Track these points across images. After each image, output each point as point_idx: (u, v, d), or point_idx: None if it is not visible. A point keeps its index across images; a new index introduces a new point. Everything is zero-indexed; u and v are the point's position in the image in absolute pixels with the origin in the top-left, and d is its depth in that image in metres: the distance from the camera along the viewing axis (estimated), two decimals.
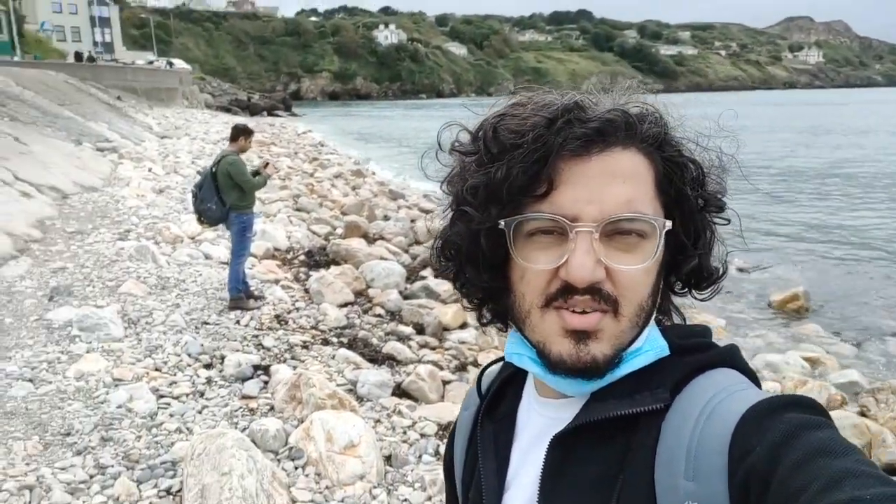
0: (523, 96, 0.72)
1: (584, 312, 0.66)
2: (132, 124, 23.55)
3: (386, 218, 11.91)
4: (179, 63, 60.24)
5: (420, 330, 6.37)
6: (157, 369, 4.78)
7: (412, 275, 8.21)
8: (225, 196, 5.95)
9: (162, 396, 4.35)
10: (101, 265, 7.13)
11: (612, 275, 0.66)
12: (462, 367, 5.65)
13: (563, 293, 0.66)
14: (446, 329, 6.41)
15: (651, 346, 0.71)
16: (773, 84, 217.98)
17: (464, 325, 6.54)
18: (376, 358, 5.49)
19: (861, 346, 7.13)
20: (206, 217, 6.06)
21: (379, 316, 6.67)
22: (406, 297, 7.24)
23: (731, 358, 0.71)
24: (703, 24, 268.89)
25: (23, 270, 6.78)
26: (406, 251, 9.66)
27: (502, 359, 0.91)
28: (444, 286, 7.51)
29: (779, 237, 12.59)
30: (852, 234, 12.87)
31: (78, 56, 44.50)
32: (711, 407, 0.64)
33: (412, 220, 12.08)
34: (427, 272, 8.27)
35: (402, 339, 6.05)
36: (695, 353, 0.71)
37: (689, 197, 0.70)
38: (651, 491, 0.63)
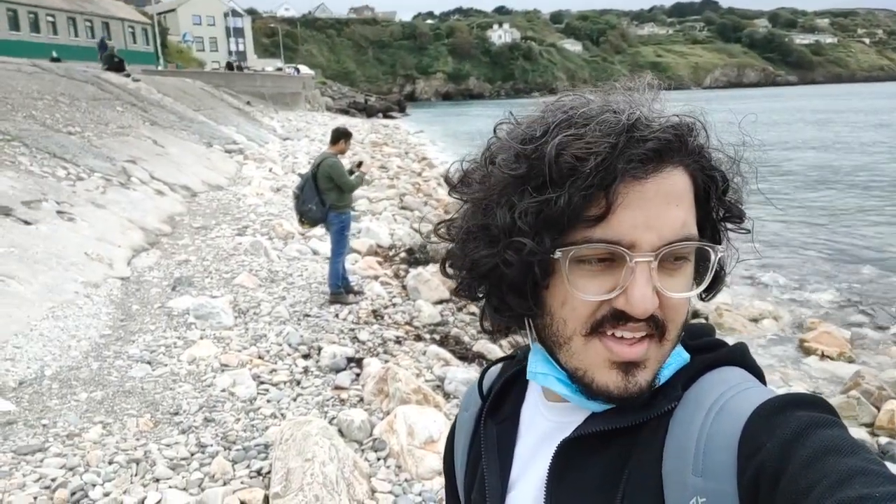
0: (573, 109, 0.66)
1: (630, 341, 0.64)
2: (258, 127, 25.15)
3: None
4: (304, 69, 63.56)
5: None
6: (259, 357, 5.07)
7: None
8: (325, 197, 6.20)
9: (262, 383, 4.61)
10: (219, 258, 7.68)
11: (663, 301, 0.64)
12: None
13: (613, 319, 0.64)
14: None
15: (674, 359, 0.70)
16: None
17: None
18: (466, 356, 5.52)
19: None
20: (307, 217, 6.35)
21: (472, 314, 6.69)
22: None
23: (741, 356, 0.71)
24: (845, 11, 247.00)
25: (152, 262, 7.44)
26: None
27: (504, 359, 0.90)
28: None
29: None
30: None
31: (229, 66, 48.67)
32: (721, 403, 0.64)
33: None
34: None
35: (494, 338, 6.04)
36: (705, 352, 0.71)
37: (714, 206, 0.70)
38: (658, 485, 0.63)
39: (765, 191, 0.76)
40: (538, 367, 0.72)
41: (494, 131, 0.74)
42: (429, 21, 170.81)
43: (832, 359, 6.47)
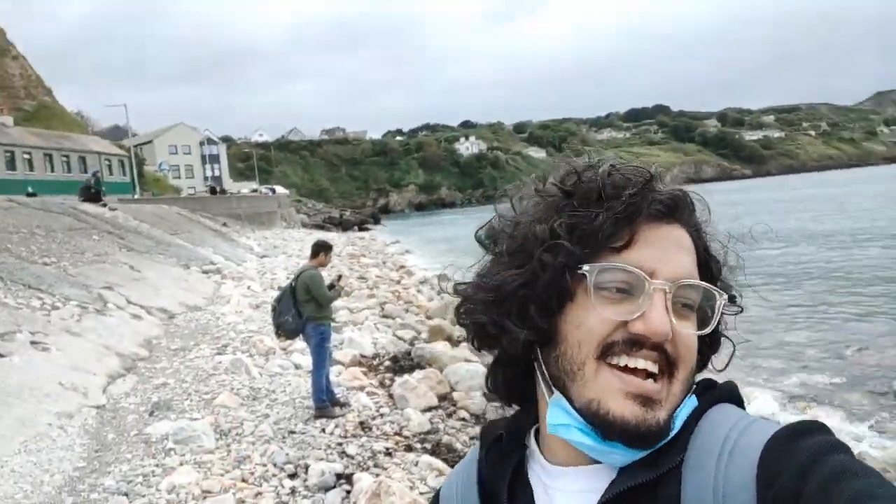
0: (612, 159, 0.76)
1: (645, 375, 0.66)
2: (235, 247, 25.34)
3: None
4: (279, 188, 65.10)
5: None
6: (243, 480, 4.83)
7: None
8: (302, 308, 6.18)
9: None
10: (199, 379, 7.47)
11: (674, 337, 0.67)
12: None
13: (626, 345, 0.66)
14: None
15: (687, 408, 0.71)
16: (871, 160, 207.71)
17: None
18: None
19: None
20: (284, 329, 6.29)
21: (463, 420, 6.53)
22: (490, 400, 7.07)
23: (733, 394, 0.74)
24: (788, 107, 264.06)
25: (128, 388, 7.20)
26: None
27: (488, 447, 0.81)
28: None
29: None
30: None
31: (213, 190, 50.11)
32: (731, 444, 0.65)
33: None
34: None
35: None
36: (704, 392, 0.73)
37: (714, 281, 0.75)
38: None
39: (742, 284, 0.80)
40: (559, 419, 0.69)
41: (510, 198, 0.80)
42: (398, 138, 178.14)
43: None
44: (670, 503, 0.65)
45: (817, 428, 0.63)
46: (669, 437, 0.68)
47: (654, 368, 0.66)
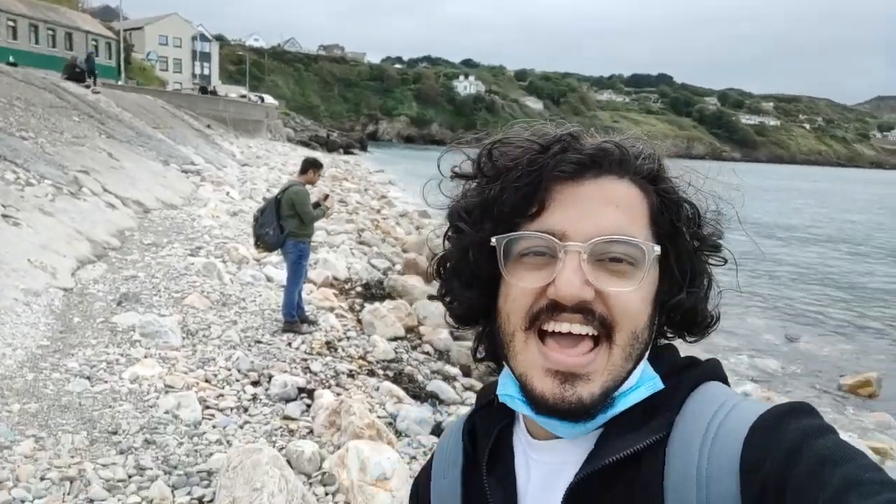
0: (522, 126, 0.75)
1: (569, 344, 0.65)
2: (217, 151, 24.81)
3: None
4: (268, 98, 63.38)
5: (467, 372, 6.31)
6: (206, 381, 4.89)
7: None
8: (284, 223, 6.13)
9: (208, 407, 4.44)
10: (169, 277, 7.44)
11: (604, 298, 0.65)
12: None
13: (549, 310, 0.65)
14: (493, 374, 6.31)
15: (643, 382, 0.69)
16: (859, 162, 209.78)
17: None
18: (419, 395, 5.45)
19: None
20: (263, 242, 6.25)
21: (427, 353, 6.65)
22: (456, 338, 7.19)
23: (717, 372, 0.71)
24: (789, 97, 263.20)
25: (98, 275, 7.14)
26: None
27: (472, 414, 0.82)
28: None
29: (857, 314, 11.92)
30: None
31: (203, 89, 48.10)
32: (714, 427, 0.63)
33: None
34: None
35: (448, 378, 6.00)
36: (685, 371, 0.71)
37: (683, 234, 0.70)
38: None
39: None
40: (507, 389, 0.71)
41: None
42: (397, 66, 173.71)
43: None
44: (652, 483, 0.63)
45: (803, 410, 0.62)
46: (611, 414, 0.66)
47: (583, 331, 0.65)
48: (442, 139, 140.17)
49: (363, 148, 67.21)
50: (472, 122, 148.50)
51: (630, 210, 0.68)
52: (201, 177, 16.77)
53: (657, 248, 0.67)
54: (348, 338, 6.53)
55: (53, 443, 3.58)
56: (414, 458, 4.25)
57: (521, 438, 0.76)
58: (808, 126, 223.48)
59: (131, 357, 5.01)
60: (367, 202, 19.77)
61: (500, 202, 0.68)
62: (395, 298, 8.29)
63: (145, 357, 5.06)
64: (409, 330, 7.22)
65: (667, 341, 0.76)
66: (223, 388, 4.84)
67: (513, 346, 0.68)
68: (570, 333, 0.65)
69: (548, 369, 0.65)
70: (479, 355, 0.79)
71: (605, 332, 0.65)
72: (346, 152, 57.35)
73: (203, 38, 76.61)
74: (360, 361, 5.96)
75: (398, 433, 4.59)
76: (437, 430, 4.81)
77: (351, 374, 5.54)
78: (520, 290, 0.67)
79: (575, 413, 0.65)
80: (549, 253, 0.66)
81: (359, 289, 8.84)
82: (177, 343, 5.48)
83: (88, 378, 4.50)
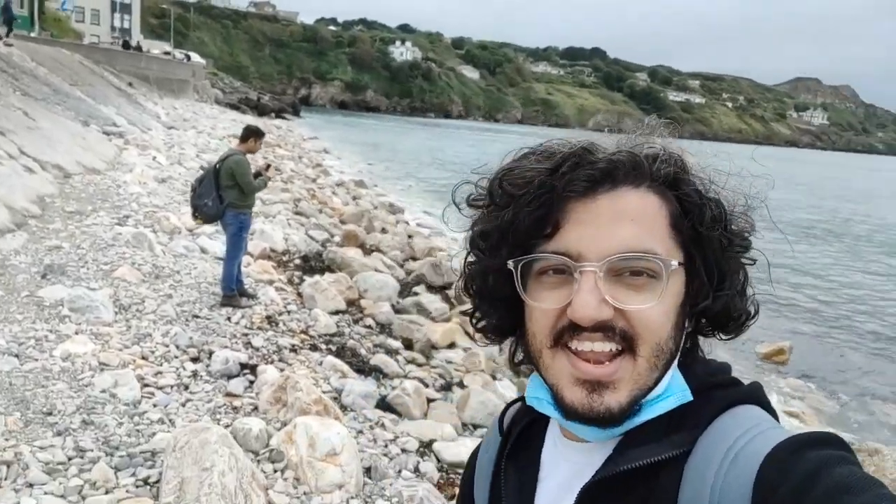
0: (530, 148, 0.75)
1: (595, 361, 0.66)
2: (141, 112, 23.59)
3: (384, 231, 11.94)
4: (195, 56, 60.48)
5: (408, 345, 6.38)
6: (143, 357, 4.75)
7: (405, 290, 8.22)
8: (224, 193, 5.96)
9: (146, 385, 4.33)
10: (96, 248, 7.11)
11: (625, 314, 0.65)
12: (447, 387, 5.66)
13: (570, 330, 0.66)
14: (434, 347, 6.42)
15: (673, 392, 0.69)
16: (775, 141, 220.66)
17: (452, 345, 6.54)
18: (363, 369, 5.49)
19: (843, 405, 7.18)
20: (202, 213, 6.06)
21: (369, 327, 6.67)
22: (398, 311, 7.25)
23: (756, 395, 0.70)
24: (713, 75, 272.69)
25: (18, 245, 6.75)
26: (401, 265, 9.68)
27: (523, 398, 0.87)
28: (435, 304, 7.54)
29: (773, 285, 12.67)
30: (843, 292, 12.99)
31: (125, 44, 45.01)
32: (736, 449, 0.62)
33: (409, 236, 12.13)
34: (420, 289, 8.29)
35: (390, 352, 6.05)
36: (720, 390, 0.70)
37: (708, 236, 0.69)
38: None
39: None
40: (534, 392, 0.74)
41: None
42: (331, 27, 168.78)
43: None
44: (666, 499, 0.64)
45: (828, 440, 0.61)
46: (638, 421, 0.68)
47: (605, 348, 0.66)
48: (377, 106, 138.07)
49: (296, 113, 65.42)
50: (409, 90, 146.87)
51: (647, 221, 0.67)
52: (125, 140, 15.94)
53: (674, 263, 0.66)
54: (289, 312, 6.47)
55: None
56: (360, 432, 4.30)
57: (553, 431, 0.79)
58: (730, 105, 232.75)
59: (61, 333, 4.80)
60: (302, 171, 19.34)
61: (515, 226, 0.69)
62: (334, 271, 8.24)
63: (76, 333, 4.85)
64: (351, 303, 7.21)
65: (703, 339, 0.77)
66: (161, 364, 4.72)
67: (542, 362, 0.70)
68: (593, 353, 0.66)
69: (577, 378, 0.66)
70: (516, 360, 0.81)
71: (627, 346, 0.66)
72: (279, 117, 55.65)
73: None
74: (303, 336, 5.93)
75: (343, 408, 4.62)
76: (381, 404, 4.87)
77: (293, 349, 5.51)
78: (541, 311, 0.69)
79: (604, 420, 0.66)
80: (567, 271, 0.67)
81: (297, 261, 8.72)
82: (109, 318, 5.28)
83: (17, 356, 4.29)
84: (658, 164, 0.69)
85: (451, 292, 8.00)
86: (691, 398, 0.69)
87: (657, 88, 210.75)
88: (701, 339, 0.78)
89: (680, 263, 0.67)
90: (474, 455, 0.92)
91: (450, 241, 12.06)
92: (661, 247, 0.66)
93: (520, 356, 0.80)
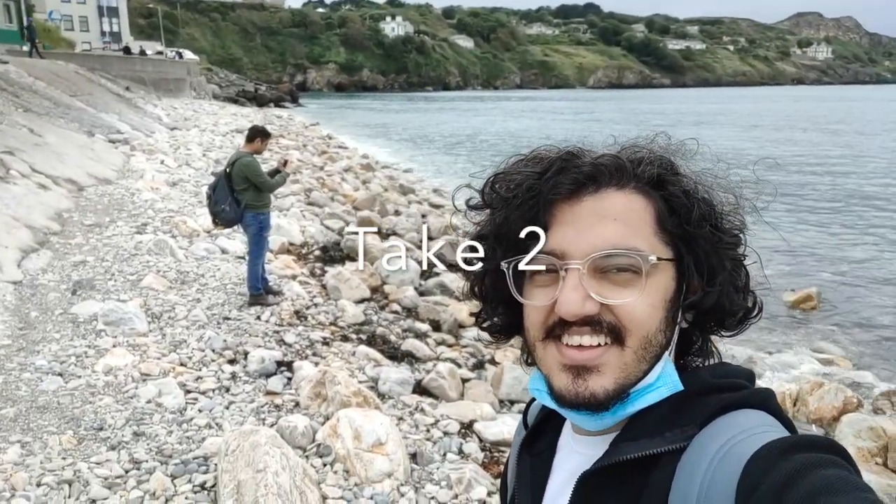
0: (521, 155, 0.79)
1: (580, 347, 0.69)
2: (142, 115, 23.61)
3: (397, 213, 11.95)
4: (187, 53, 60.19)
5: (436, 327, 6.44)
6: (182, 364, 4.85)
7: (426, 271, 8.26)
8: (240, 196, 5.99)
9: (189, 392, 4.42)
10: (120, 259, 7.20)
11: (612, 309, 0.69)
12: (480, 365, 5.72)
13: (560, 326, 0.70)
14: (462, 326, 6.48)
15: (664, 382, 0.71)
16: (781, 80, 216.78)
17: None
18: (395, 355, 5.56)
19: (875, 348, 7.16)
20: (221, 219, 6.11)
21: (395, 312, 6.74)
22: (421, 294, 7.30)
23: (762, 400, 0.69)
24: (712, 19, 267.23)
25: (44, 263, 6.86)
26: (418, 247, 9.70)
27: None
28: (458, 283, 7.58)
29: (793, 233, 12.59)
30: (867, 233, 12.86)
31: (127, 50, 45.12)
32: (727, 448, 0.63)
33: (423, 216, 12.13)
34: (441, 268, 8.31)
35: (420, 336, 6.12)
36: (722, 392, 0.70)
37: (696, 234, 0.71)
38: None
39: None
40: (536, 384, 0.77)
41: None
42: (320, 10, 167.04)
43: None
44: (658, 494, 0.66)
45: (819, 444, 0.60)
46: (630, 410, 0.70)
47: (593, 342, 0.69)
48: (374, 85, 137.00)
49: (294, 100, 65.08)
50: (404, 65, 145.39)
51: (631, 220, 0.70)
52: (130, 146, 15.99)
53: (653, 258, 0.69)
54: (315, 305, 6.54)
55: (41, 446, 3.52)
56: (401, 418, 4.37)
57: (567, 424, 0.83)
58: (731, 48, 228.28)
59: (100, 348, 4.90)
60: (309, 159, 19.33)
61: (506, 229, 0.74)
62: (354, 259, 8.29)
63: (114, 346, 4.95)
64: (375, 290, 7.27)
65: (705, 337, 0.78)
66: (200, 370, 4.81)
67: (537, 354, 0.75)
68: (580, 346, 0.70)
69: (563, 364, 0.70)
70: (527, 361, 0.84)
71: (615, 338, 0.69)
72: (278, 106, 55.49)
73: None
74: (332, 328, 6.00)
75: (381, 396, 4.70)
76: (417, 389, 4.95)
77: (325, 342, 5.58)
78: (533, 308, 0.73)
79: (590, 406, 0.69)
80: (556, 270, 0.71)
81: (317, 252, 8.78)
82: (143, 328, 5.38)
83: (61, 374, 4.40)
84: (643, 167, 0.72)
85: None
86: (682, 388, 0.71)
87: (656, 38, 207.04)
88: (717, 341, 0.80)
89: (662, 259, 0.70)
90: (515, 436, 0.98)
91: (463, 217, 12.06)
92: (646, 244, 0.70)
93: (525, 357, 0.85)
